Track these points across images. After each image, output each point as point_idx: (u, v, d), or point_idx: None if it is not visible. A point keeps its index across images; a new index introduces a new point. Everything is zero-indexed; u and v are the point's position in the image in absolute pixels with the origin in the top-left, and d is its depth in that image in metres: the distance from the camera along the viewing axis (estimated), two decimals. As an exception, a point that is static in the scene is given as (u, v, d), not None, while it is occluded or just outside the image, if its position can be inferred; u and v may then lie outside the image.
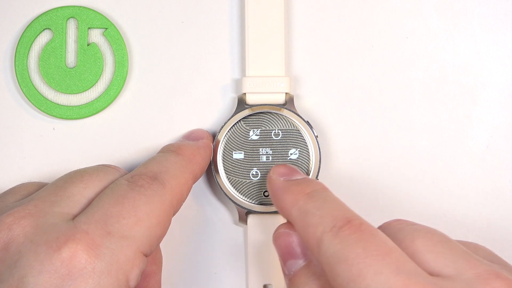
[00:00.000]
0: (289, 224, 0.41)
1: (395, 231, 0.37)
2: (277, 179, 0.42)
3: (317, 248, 0.36)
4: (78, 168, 0.43)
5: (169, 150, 0.44)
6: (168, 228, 0.40)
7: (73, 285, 0.35)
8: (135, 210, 0.38)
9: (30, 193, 0.42)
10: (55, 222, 0.38)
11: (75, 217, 0.38)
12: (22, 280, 0.35)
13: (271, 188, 0.42)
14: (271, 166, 0.46)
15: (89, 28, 0.48)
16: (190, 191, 0.43)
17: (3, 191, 0.43)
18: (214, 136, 0.47)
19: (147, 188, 0.40)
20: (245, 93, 0.47)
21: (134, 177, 0.40)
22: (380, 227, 0.39)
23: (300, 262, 0.40)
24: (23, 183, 0.44)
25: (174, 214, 0.41)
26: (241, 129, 0.46)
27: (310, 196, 0.39)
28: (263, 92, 0.46)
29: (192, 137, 0.47)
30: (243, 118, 0.46)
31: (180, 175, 0.42)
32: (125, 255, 0.37)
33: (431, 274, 0.35)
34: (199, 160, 0.44)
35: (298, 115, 0.46)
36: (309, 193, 0.40)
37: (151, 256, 0.44)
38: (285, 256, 0.41)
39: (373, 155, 0.48)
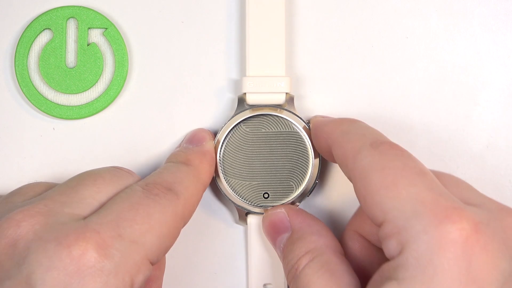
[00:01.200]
0: (270, 208, 0.45)
1: None
2: (322, 117, 0.46)
3: (354, 158, 0.38)
4: (91, 170, 0.43)
5: (178, 161, 0.44)
6: (176, 239, 0.40)
7: (81, 283, 0.35)
8: (149, 217, 0.38)
9: (38, 193, 0.42)
10: (65, 221, 0.37)
11: (85, 218, 0.38)
12: (30, 277, 0.35)
13: (314, 122, 0.45)
14: (271, 168, 0.46)
15: (89, 28, 0.48)
16: (199, 201, 0.43)
17: (7, 192, 0.43)
18: (214, 136, 0.47)
19: (162, 197, 0.40)
20: (245, 93, 0.47)
21: (148, 185, 0.40)
22: None
23: (286, 235, 0.43)
24: (30, 184, 0.44)
25: (183, 226, 0.41)
26: (241, 131, 0.46)
27: (352, 121, 0.42)
28: (264, 92, 0.46)
29: (195, 139, 0.46)
30: (243, 120, 0.46)
31: (193, 187, 0.42)
32: (133, 260, 0.37)
33: None
34: (207, 168, 0.45)
35: (298, 116, 0.46)
36: (351, 120, 0.43)
37: (156, 262, 0.44)
38: (274, 235, 0.44)
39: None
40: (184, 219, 0.41)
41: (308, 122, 0.46)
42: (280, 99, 0.47)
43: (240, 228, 0.49)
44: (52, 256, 0.35)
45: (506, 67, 0.49)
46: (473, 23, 0.49)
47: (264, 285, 0.47)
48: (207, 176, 0.44)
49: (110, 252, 0.36)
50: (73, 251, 0.36)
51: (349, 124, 0.42)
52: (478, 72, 0.49)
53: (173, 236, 0.40)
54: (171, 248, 0.47)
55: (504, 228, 0.36)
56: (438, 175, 0.39)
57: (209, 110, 0.48)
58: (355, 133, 0.40)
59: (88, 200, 0.40)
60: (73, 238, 0.36)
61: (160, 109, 0.48)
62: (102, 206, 0.39)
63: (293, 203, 0.46)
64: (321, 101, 0.48)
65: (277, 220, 0.44)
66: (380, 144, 0.38)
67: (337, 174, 0.48)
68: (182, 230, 0.48)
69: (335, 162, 0.42)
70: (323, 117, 0.46)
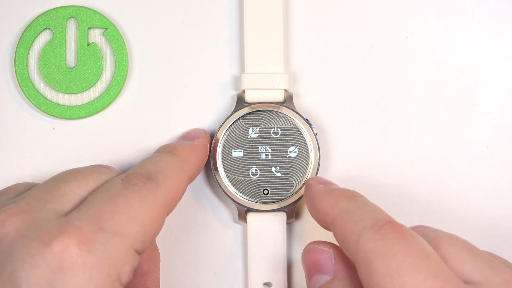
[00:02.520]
0: (319, 241, 0.41)
1: None
2: (317, 184, 0.43)
3: (355, 243, 0.37)
4: (71, 168, 0.43)
5: (164, 150, 0.45)
6: (161, 227, 0.40)
7: (64, 279, 0.35)
8: (128, 207, 0.38)
9: (22, 192, 0.42)
10: (48, 217, 0.38)
11: (67, 213, 0.38)
12: (13, 275, 0.35)
13: (310, 192, 0.42)
14: (270, 164, 0.46)
15: (89, 28, 0.48)
16: (185, 191, 0.43)
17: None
18: (213, 134, 0.47)
19: (141, 187, 0.40)
20: (244, 91, 0.47)
21: (128, 176, 0.41)
22: None
23: (326, 277, 0.40)
24: (16, 184, 0.44)
25: (168, 214, 0.41)
26: (240, 127, 0.46)
27: (351, 198, 0.40)
28: (262, 88, 0.47)
29: (188, 137, 0.47)
30: (242, 116, 0.46)
31: (175, 175, 0.42)
32: (117, 251, 0.37)
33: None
34: (194, 160, 0.45)
35: (297, 113, 0.46)
36: (350, 196, 0.40)
37: (148, 254, 0.44)
38: (312, 271, 0.41)
39: (372, 154, 0.48)
40: (167, 207, 0.41)
41: (307, 119, 0.46)
42: (279, 96, 0.47)
43: (238, 227, 0.49)
44: (34, 253, 0.36)
45: (506, 67, 0.49)
46: (473, 23, 0.49)
47: (264, 284, 0.47)
48: (193, 168, 0.44)
49: (92, 247, 0.36)
50: (54, 247, 0.36)
51: (348, 201, 0.40)
52: (478, 72, 0.49)
53: (157, 224, 0.40)
54: (170, 248, 0.48)
55: None
56: (439, 243, 0.38)
57: (209, 110, 0.49)
58: (354, 213, 0.39)
59: (69, 196, 0.40)
60: (55, 235, 0.36)
61: (160, 109, 0.48)
62: (83, 201, 0.39)
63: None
64: (320, 100, 0.49)
65: (321, 260, 0.42)
66: (381, 226, 0.37)
67: (336, 172, 0.48)
68: (181, 230, 0.48)
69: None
70: (318, 180, 0.44)
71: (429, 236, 0.38)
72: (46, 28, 0.48)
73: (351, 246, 0.37)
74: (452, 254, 0.37)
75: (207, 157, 0.46)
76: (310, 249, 0.42)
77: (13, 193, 0.42)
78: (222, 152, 0.46)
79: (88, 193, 0.40)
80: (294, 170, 0.46)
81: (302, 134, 0.46)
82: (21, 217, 0.37)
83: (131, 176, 0.40)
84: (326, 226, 0.41)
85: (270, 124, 0.46)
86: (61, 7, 0.48)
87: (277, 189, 0.46)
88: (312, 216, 0.42)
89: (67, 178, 0.41)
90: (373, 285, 0.35)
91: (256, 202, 0.46)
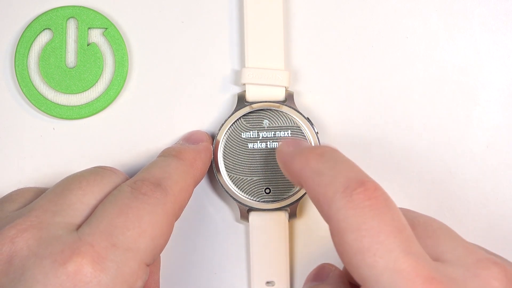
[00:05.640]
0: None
1: None
2: (287, 147, 0.41)
3: (328, 209, 0.36)
4: (75, 173, 0.43)
5: (170, 154, 0.44)
6: (170, 236, 0.40)
7: None
8: (139, 221, 0.38)
9: (28, 200, 0.42)
10: (59, 233, 0.37)
11: (78, 227, 0.38)
12: None
13: (281, 157, 0.41)
14: (272, 163, 0.46)
15: (89, 28, 0.48)
16: (191, 196, 0.43)
17: (7, 191, 0.44)
18: (213, 134, 0.48)
19: (150, 196, 0.39)
20: (244, 90, 0.47)
21: (137, 183, 0.40)
22: None
23: (315, 283, 0.41)
24: (20, 189, 0.44)
25: (175, 221, 0.41)
26: (241, 126, 0.46)
27: (322, 156, 0.38)
28: (263, 84, 0.47)
29: (192, 139, 0.47)
30: (243, 115, 0.47)
31: (182, 181, 0.42)
32: (129, 268, 0.37)
33: (431, 259, 0.35)
34: (200, 165, 0.44)
35: (299, 111, 0.46)
36: (320, 153, 0.38)
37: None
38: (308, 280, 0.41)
39: (373, 153, 0.48)
40: (175, 215, 0.41)
41: (308, 118, 0.47)
42: (280, 95, 0.47)
43: (241, 226, 0.49)
44: (48, 273, 0.35)
45: (506, 67, 0.49)
46: (473, 23, 0.49)
47: (267, 282, 0.47)
48: (198, 173, 0.44)
49: (105, 265, 0.36)
50: (68, 267, 0.35)
51: (319, 160, 0.38)
52: (478, 72, 0.49)
53: (167, 234, 0.40)
54: (172, 248, 0.48)
55: (483, 285, 0.35)
56: (415, 223, 0.38)
57: (209, 110, 0.49)
58: (324, 174, 0.37)
59: (76, 205, 0.39)
60: (68, 254, 0.36)
61: (160, 109, 0.48)
62: (92, 212, 0.39)
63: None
64: (321, 100, 0.49)
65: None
66: (352, 191, 0.35)
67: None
68: (183, 229, 0.48)
69: None
70: (288, 144, 0.42)
71: (407, 216, 0.37)
72: (46, 28, 0.48)
73: (324, 211, 0.36)
74: (426, 233, 0.37)
75: (210, 161, 0.46)
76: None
77: (18, 200, 0.42)
78: (224, 152, 0.46)
79: (95, 201, 0.40)
80: (296, 169, 0.46)
81: (303, 133, 0.46)
82: (31, 233, 0.37)
83: (139, 183, 0.40)
84: (301, 186, 0.39)
85: (271, 123, 0.46)
86: (61, 7, 0.48)
87: (279, 188, 0.46)
88: (288, 178, 0.41)
89: (72, 185, 0.41)
90: (345, 257, 0.35)
91: (258, 201, 0.46)
